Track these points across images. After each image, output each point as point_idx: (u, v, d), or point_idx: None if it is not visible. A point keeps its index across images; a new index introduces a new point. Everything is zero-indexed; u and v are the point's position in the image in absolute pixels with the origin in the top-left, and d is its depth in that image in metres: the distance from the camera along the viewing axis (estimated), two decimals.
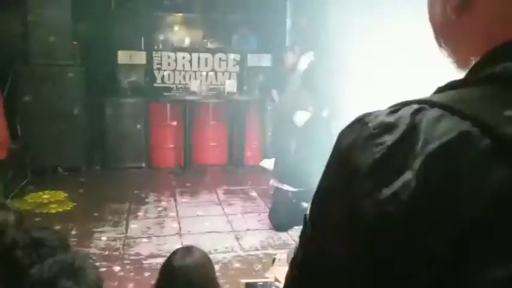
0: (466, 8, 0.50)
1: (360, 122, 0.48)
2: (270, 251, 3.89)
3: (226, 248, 3.94)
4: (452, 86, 0.48)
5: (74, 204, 4.87)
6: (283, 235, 4.23)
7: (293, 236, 4.18)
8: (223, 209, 4.91)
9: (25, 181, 5.39)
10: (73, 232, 4.12)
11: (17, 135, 5.50)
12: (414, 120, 0.43)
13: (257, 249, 3.94)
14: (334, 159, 0.49)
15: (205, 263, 1.89)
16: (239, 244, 4.04)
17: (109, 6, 6.91)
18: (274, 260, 3.49)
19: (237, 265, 3.64)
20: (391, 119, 0.45)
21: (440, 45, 0.56)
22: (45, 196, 5.07)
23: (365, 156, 0.45)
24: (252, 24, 7.72)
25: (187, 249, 1.97)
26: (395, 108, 0.46)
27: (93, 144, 6.24)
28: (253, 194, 5.42)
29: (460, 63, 0.54)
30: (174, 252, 1.94)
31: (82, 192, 5.27)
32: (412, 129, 0.43)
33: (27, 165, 5.55)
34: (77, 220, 4.45)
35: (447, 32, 0.54)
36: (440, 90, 0.48)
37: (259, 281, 1.40)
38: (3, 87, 5.23)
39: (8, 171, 4.79)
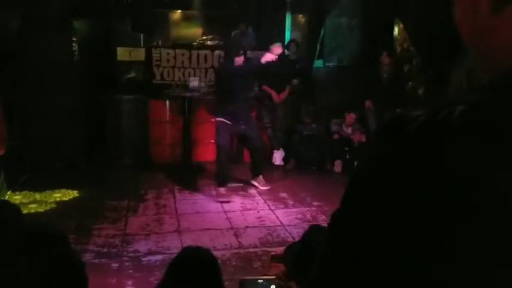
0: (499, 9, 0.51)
1: None
2: (269, 248, 3.88)
3: (225, 245, 3.94)
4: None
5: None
6: (282, 232, 4.23)
7: (292, 233, 4.18)
8: (222, 206, 4.90)
9: (24, 178, 5.38)
10: (71, 228, 4.10)
11: (16, 131, 5.48)
12: None
13: (256, 247, 3.93)
14: None
15: (213, 263, 1.89)
16: (238, 241, 4.03)
17: (108, 2, 6.90)
18: (272, 257, 3.48)
19: (236, 262, 3.63)
20: None
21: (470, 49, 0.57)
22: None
23: None
24: (251, 20, 7.70)
25: (196, 249, 1.97)
26: None
27: (92, 141, 6.22)
28: (252, 191, 5.40)
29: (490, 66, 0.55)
30: (182, 252, 1.93)
31: (80, 189, 5.26)
32: None
33: (26, 161, 5.54)
34: (75, 217, 4.44)
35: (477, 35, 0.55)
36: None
37: (259, 278, 1.39)
38: (1, 84, 5.22)
39: (6, 167, 4.78)
